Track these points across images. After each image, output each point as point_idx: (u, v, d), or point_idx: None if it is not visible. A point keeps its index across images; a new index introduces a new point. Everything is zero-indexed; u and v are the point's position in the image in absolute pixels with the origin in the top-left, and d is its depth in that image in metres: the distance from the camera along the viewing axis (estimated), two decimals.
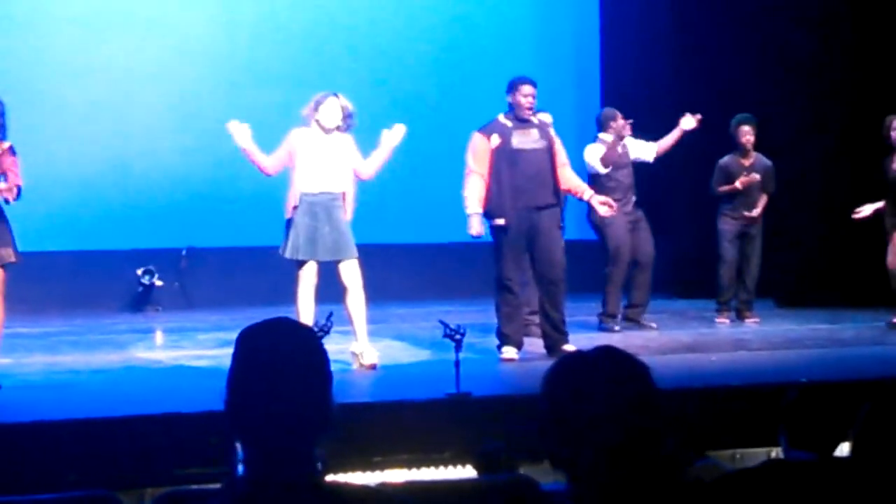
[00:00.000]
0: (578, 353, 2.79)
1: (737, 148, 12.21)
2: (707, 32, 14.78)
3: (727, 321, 12.21)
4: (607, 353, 2.77)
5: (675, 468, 2.74)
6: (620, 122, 11.72)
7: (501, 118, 9.83)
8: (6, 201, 8.47)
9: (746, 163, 12.20)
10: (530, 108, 9.78)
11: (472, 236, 9.83)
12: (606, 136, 11.69)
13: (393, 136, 9.54)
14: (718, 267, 12.30)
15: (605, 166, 11.49)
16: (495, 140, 9.69)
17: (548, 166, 9.79)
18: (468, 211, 9.72)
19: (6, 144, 8.58)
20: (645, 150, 11.95)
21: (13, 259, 8.53)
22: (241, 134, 9.46)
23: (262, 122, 13.61)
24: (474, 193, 9.69)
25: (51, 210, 13.76)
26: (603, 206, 10.08)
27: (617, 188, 11.49)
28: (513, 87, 9.83)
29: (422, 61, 15.28)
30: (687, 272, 14.43)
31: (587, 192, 10.07)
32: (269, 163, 9.42)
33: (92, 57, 14.27)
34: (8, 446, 6.87)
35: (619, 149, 11.67)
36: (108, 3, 14.48)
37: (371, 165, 9.45)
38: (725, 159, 12.25)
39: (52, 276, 13.86)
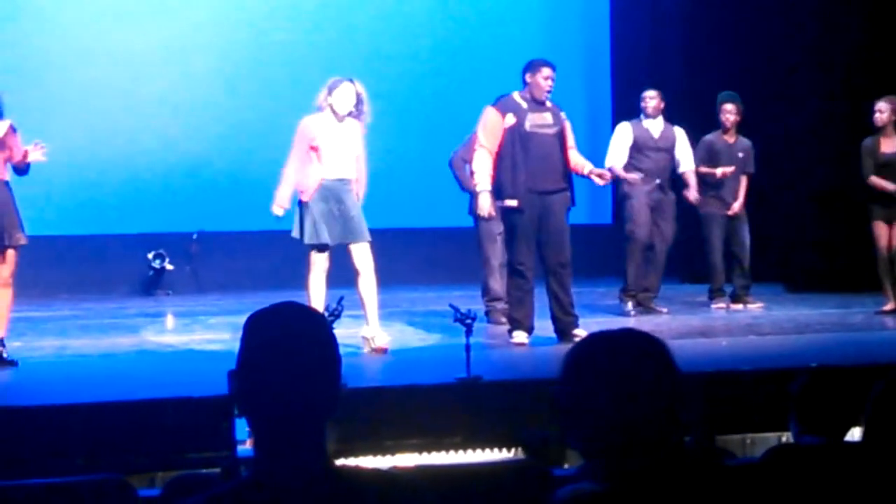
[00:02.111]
0: (600, 334, 2.80)
1: (719, 125, 12.18)
2: (717, 17, 14.75)
3: (724, 306, 12.16)
4: (628, 334, 2.78)
5: (693, 452, 2.75)
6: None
7: (517, 97, 9.77)
8: (18, 170, 8.73)
9: (730, 140, 12.14)
10: (548, 91, 9.75)
11: (483, 218, 9.82)
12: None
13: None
14: (707, 252, 12.18)
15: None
16: (510, 119, 9.65)
17: (559, 150, 9.77)
18: (479, 188, 9.65)
19: (6, 122, 8.69)
20: (682, 158, 11.86)
21: (23, 241, 8.64)
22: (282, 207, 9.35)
23: (270, 106, 13.71)
24: (485, 170, 9.62)
25: (62, 194, 13.79)
26: (599, 177, 10.03)
27: (644, 167, 11.52)
28: (532, 68, 9.76)
29: (431, 44, 15.25)
30: (696, 257, 14.42)
31: (587, 167, 9.99)
32: (296, 168, 9.31)
33: (102, 42, 14.27)
34: (18, 430, 6.89)
35: (657, 133, 11.68)
36: None
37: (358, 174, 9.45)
38: (710, 136, 12.15)
39: (63, 259, 13.89)
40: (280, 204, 9.31)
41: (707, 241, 12.18)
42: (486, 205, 9.62)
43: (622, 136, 11.71)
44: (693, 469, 2.70)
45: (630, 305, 11.50)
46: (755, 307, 12.08)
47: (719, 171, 11.91)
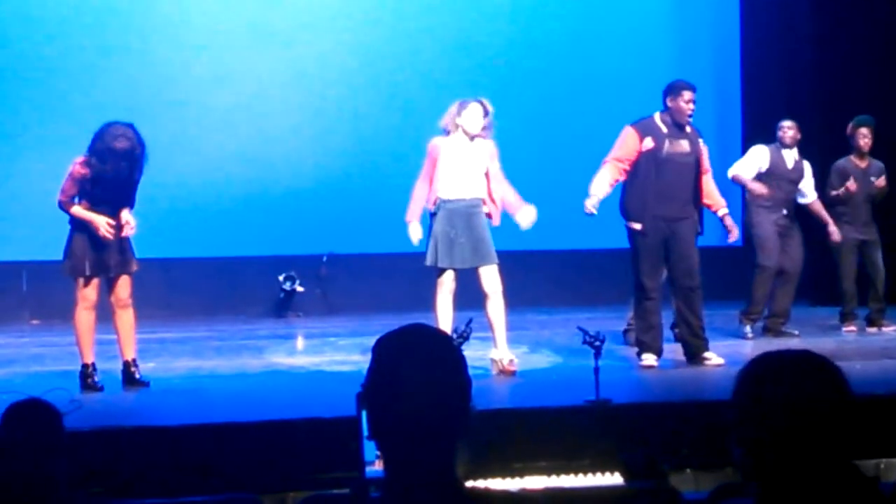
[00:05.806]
0: (777, 353, 2.78)
1: (853, 150, 12.01)
2: (849, 34, 14.57)
3: (854, 329, 11.99)
4: (806, 356, 2.76)
5: (866, 480, 2.72)
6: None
7: (658, 119, 9.70)
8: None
9: (862, 164, 11.97)
10: (690, 115, 9.69)
11: (585, 213, 9.70)
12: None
13: (526, 219, 9.55)
14: (840, 277, 12.05)
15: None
16: (648, 143, 9.59)
17: (693, 177, 9.71)
18: (590, 192, 9.54)
19: (80, 158, 8.77)
20: (808, 191, 11.76)
21: (136, 268, 8.95)
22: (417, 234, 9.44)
23: (400, 128, 13.80)
24: (602, 180, 9.57)
25: (195, 217, 13.99)
26: (730, 231, 10.01)
27: (775, 195, 11.38)
28: (674, 91, 9.67)
29: (560, 66, 15.23)
30: (826, 280, 14.21)
31: (722, 210, 9.96)
32: (421, 187, 9.41)
33: (233, 66, 14.47)
34: (153, 449, 7.01)
35: (791, 163, 11.55)
36: (246, 15, 14.67)
37: (499, 192, 9.44)
38: (841, 161, 12.02)
39: (197, 282, 14.10)
40: (409, 221, 9.39)
41: (839, 266, 12.04)
42: (588, 205, 9.52)
43: (757, 158, 11.54)
44: (851, 492, 2.67)
45: (749, 328, 11.38)
46: (890, 330, 11.91)
47: (850, 185, 11.76)
